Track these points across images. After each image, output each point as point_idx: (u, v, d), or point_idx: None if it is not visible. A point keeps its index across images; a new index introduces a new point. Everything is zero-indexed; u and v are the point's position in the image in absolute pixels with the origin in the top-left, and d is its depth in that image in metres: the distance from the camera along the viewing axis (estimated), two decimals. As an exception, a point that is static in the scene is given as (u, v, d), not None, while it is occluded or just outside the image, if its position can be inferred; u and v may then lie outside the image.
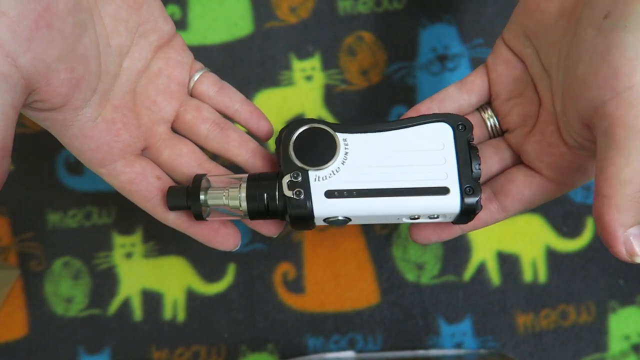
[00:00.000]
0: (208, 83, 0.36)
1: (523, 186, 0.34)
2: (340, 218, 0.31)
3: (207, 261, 0.48)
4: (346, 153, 0.31)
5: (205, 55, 0.50)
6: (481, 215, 0.34)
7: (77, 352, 0.47)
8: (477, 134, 0.37)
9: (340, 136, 0.32)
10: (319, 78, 0.50)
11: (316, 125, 0.32)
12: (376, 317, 0.48)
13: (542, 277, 0.48)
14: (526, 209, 0.35)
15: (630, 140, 0.25)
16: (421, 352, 0.47)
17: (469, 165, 0.31)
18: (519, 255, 0.49)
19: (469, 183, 0.30)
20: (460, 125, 0.32)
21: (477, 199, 0.30)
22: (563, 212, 0.49)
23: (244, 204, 0.32)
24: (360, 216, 0.32)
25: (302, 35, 0.51)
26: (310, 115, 0.50)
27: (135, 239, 0.49)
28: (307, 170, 0.31)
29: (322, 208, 0.31)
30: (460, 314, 0.48)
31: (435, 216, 0.32)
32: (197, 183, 0.32)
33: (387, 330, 0.47)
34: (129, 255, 0.48)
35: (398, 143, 0.31)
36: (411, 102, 0.50)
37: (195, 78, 0.35)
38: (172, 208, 0.32)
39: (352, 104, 0.50)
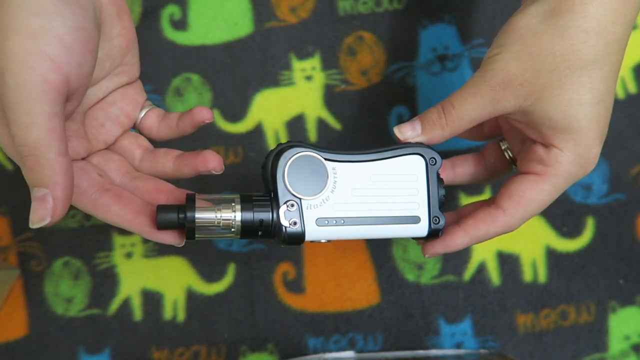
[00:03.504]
0: (153, 116, 0.39)
1: (514, 186, 0.35)
2: (323, 241, 0.35)
3: (207, 261, 0.48)
4: (335, 182, 0.34)
5: (205, 55, 0.50)
6: (490, 226, 0.35)
7: (77, 352, 0.47)
8: (500, 166, 0.40)
9: (330, 165, 0.34)
10: (319, 78, 0.50)
11: (308, 153, 0.34)
12: (376, 317, 0.48)
13: (542, 277, 0.48)
14: (526, 209, 0.35)
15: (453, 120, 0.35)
16: (421, 352, 0.47)
17: (437, 196, 0.35)
18: (519, 255, 0.49)
19: (436, 213, 0.35)
20: (432, 159, 0.35)
21: (442, 227, 0.35)
22: (563, 212, 0.49)
23: (238, 224, 0.33)
24: (343, 239, 0.36)
25: (302, 35, 0.51)
26: (310, 115, 0.50)
27: (135, 239, 0.49)
28: (301, 199, 0.34)
29: (313, 233, 0.34)
30: (460, 314, 0.48)
31: (405, 236, 0.36)
32: (191, 201, 0.33)
33: (387, 330, 0.47)
34: (129, 255, 0.48)
35: (379, 173, 0.35)
36: (411, 102, 0.50)
37: (142, 114, 0.38)
38: (161, 227, 0.33)
39: (352, 104, 0.50)
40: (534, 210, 0.35)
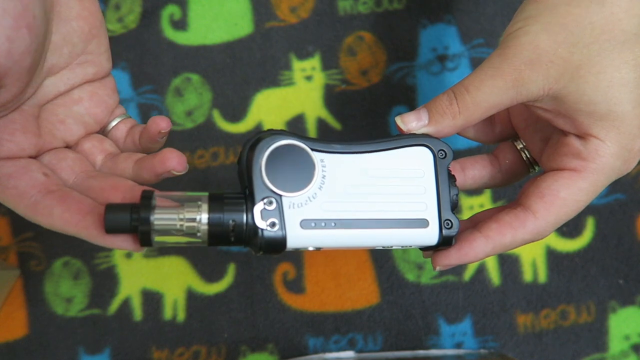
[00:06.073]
0: (123, 129, 0.34)
1: (546, 184, 0.30)
2: (310, 249, 0.29)
3: (207, 261, 0.48)
4: (323, 177, 0.29)
5: (205, 55, 0.50)
6: (517, 232, 0.31)
7: (77, 352, 0.47)
8: (517, 169, 0.35)
9: (317, 156, 0.29)
10: (319, 78, 0.50)
11: (291, 142, 0.28)
12: (376, 317, 0.48)
13: (542, 277, 0.48)
14: (559, 212, 0.30)
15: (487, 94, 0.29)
16: (421, 352, 0.47)
17: (447, 196, 0.29)
18: (519, 255, 0.49)
19: (448, 216, 0.29)
20: (441, 152, 0.30)
21: (455, 232, 0.29)
22: (563, 212, 0.49)
23: (204, 228, 0.27)
24: (334, 247, 0.29)
25: (302, 35, 0.51)
26: (310, 115, 0.50)
27: (135, 239, 0.49)
28: (281, 196, 0.28)
29: (296, 239, 0.28)
30: (460, 314, 0.48)
31: (410, 245, 0.30)
32: (147, 200, 0.27)
33: (387, 330, 0.47)
34: (129, 255, 0.48)
35: (377, 168, 0.29)
36: (411, 102, 0.50)
37: (113, 124, 0.34)
38: (110, 229, 0.27)
39: (352, 104, 0.50)
40: (569, 212, 0.30)
